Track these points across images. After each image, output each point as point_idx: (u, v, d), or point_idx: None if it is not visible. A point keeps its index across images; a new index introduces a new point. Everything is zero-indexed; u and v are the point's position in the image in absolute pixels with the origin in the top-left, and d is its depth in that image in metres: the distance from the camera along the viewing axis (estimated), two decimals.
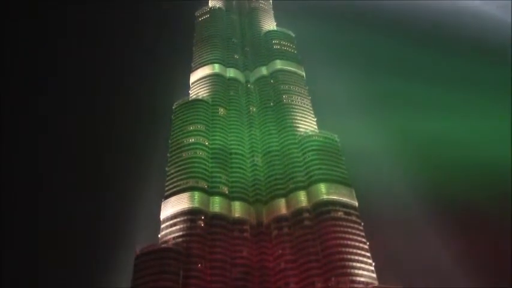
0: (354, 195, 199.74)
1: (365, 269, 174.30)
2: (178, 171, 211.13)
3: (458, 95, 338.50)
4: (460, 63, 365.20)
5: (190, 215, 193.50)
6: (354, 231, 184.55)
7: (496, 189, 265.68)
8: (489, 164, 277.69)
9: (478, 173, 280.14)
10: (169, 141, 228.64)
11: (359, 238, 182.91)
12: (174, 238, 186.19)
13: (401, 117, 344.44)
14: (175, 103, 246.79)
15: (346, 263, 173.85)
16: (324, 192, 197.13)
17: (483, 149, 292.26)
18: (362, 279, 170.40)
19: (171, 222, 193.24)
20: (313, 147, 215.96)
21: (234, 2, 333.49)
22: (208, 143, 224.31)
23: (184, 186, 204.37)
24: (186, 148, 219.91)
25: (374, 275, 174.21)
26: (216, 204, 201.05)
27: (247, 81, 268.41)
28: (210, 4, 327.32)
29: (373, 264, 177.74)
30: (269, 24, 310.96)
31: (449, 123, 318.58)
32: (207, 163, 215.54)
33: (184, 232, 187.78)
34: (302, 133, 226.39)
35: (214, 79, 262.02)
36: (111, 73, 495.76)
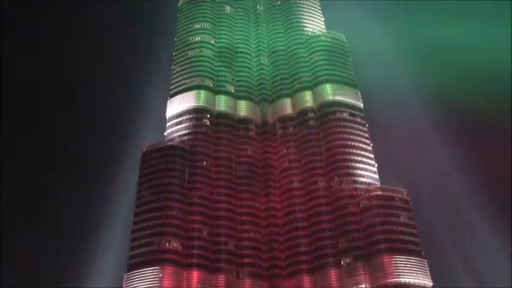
0: (360, 96, 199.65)
1: (368, 170, 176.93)
2: (184, 69, 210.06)
3: None
4: None
5: (195, 114, 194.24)
6: (358, 132, 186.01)
7: (496, 96, 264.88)
8: (490, 69, 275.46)
9: (480, 77, 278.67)
10: (175, 40, 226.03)
11: (363, 139, 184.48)
12: (179, 136, 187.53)
13: (408, 19, 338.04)
14: (181, 0, 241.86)
15: (350, 164, 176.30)
16: (330, 92, 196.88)
17: (485, 53, 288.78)
18: (364, 179, 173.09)
19: (177, 120, 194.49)
20: (320, 48, 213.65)
21: None
22: (214, 42, 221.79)
23: (190, 84, 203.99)
24: (192, 46, 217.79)
25: (376, 176, 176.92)
26: (222, 103, 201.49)
27: None
28: None
29: (376, 165, 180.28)
30: None
31: (454, 28, 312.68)
32: (212, 62, 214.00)
33: (189, 130, 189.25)
34: (309, 33, 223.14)
35: None
36: None
